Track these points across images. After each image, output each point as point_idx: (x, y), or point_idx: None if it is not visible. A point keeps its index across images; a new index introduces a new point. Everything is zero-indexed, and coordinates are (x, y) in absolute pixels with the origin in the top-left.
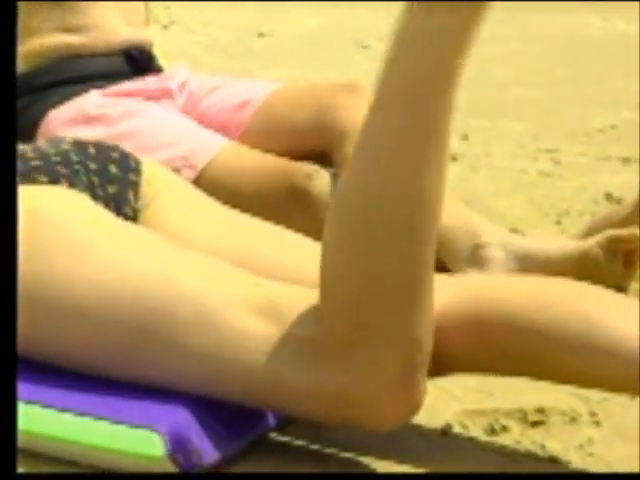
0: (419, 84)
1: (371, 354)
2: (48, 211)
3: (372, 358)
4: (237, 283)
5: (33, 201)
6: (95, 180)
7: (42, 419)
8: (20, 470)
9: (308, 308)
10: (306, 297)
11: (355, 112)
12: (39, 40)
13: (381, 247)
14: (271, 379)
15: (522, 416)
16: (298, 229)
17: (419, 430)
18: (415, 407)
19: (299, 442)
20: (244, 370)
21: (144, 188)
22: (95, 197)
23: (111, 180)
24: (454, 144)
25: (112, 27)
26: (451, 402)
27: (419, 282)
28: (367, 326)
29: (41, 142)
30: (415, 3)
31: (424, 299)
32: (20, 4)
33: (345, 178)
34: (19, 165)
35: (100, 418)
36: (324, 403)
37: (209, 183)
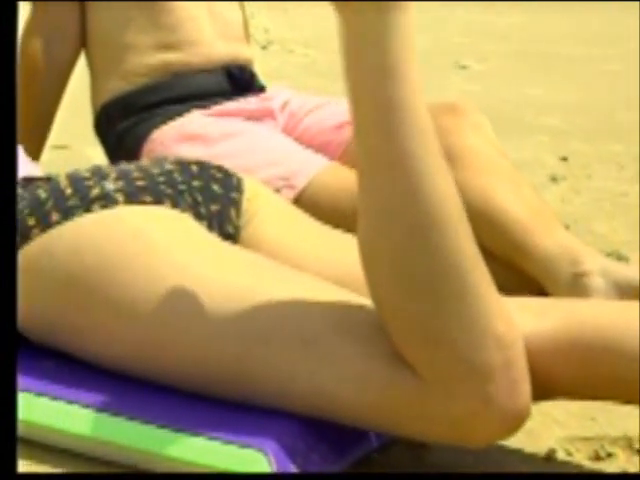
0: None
1: (455, 367)
2: (154, 233)
3: (457, 371)
4: (341, 305)
5: (138, 223)
6: (199, 198)
7: (153, 438)
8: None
9: None
10: None
11: (456, 134)
12: (138, 58)
13: (407, 248)
14: (372, 402)
15: (628, 443)
16: None
17: (522, 455)
18: (520, 411)
19: (402, 463)
20: (345, 393)
21: (245, 205)
22: (198, 215)
23: (214, 198)
24: (554, 166)
25: (208, 42)
26: (554, 427)
27: (463, 277)
28: (438, 341)
29: (145, 161)
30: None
31: (480, 293)
32: (112, 23)
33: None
34: (124, 185)
35: (205, 437)
36: (424, 423)
37: (309, 203)
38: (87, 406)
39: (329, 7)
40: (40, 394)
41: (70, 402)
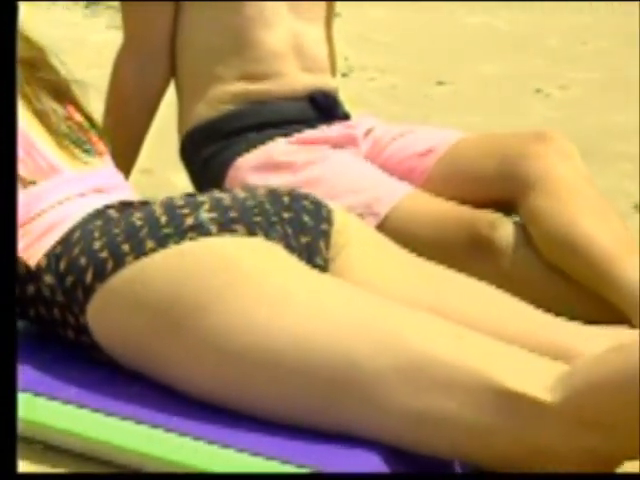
0: None
1: (592, 440)
2: (246, 264)
3: (593, 443)
4: (439, 334)
5: (231, 253)
6: (289, 230)
7: (225, 460)
8: None
9: (523, 367)
10: (512, 353)
11: (544, 162)
12: (222, 87)
13: None
14: (474, 431)
15: None
16: (479, 277)
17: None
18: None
19: None
20: (446, 422)
21: (335, 237)
22: (289, 247)
23: (304, 230)
24: (633, 191)
25: (292, 75)
26: None
27: None
28: (605, 420)
29: (238, 191)
30: None
31: None
32: (201, 54)
33: None
34: (218, 215)
35: (292, 463)
36: (521, 456)
37: (391, 230)
38: (167, 429)
39: (404, 33)
40: (126, 417)
41: (155, 426)
